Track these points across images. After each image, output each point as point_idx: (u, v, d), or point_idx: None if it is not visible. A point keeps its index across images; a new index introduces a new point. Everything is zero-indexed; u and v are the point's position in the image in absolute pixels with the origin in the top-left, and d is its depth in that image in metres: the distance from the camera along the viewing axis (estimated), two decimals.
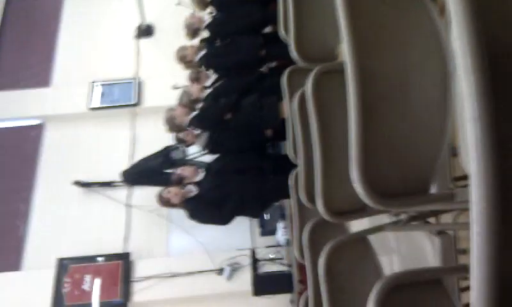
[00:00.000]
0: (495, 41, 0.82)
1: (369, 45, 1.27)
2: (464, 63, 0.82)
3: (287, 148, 2.76)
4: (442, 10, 1.78)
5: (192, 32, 5.38)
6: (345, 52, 1.26)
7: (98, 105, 7.42)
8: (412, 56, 1.31)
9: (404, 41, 1.31)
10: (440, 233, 2.00)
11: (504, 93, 0.82)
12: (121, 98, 7.45)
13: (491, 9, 0.85)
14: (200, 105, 4.88)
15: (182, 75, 5.57)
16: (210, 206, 4.49)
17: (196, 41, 5.46)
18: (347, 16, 1.23)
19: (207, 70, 5.20)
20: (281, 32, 2.42)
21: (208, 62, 5.18)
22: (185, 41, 5.47)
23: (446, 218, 2.26)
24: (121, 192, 6.74)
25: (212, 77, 5.17)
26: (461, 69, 0.83)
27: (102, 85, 7.53)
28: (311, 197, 2.19)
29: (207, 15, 5.53)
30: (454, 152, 2.08)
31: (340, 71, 1.67)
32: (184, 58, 5.29)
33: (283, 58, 2.49)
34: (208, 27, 5.35)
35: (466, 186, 0.93)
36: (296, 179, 2.56)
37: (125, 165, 6.64)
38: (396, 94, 1.31)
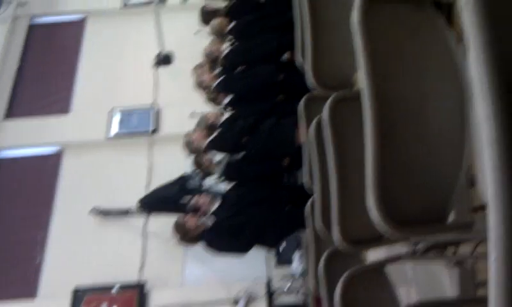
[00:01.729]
0: (505, 70, 0.82)
1: (386, 71, 1.27)
2: (481, 88, 0.81)
3: (303, 176, 2.75)
4: (459, 37, 1.78)
5: (211, 61, 5.43)
6: (362, 78, 1.26)
7: (116, 132, 7.47)
8: (429, 82, 1.31)
9: (421, 67, 1.31)
10: (458, 263, 1.97)
11: None
12: (139, 125, 7.50)
13: (507, 34, 0.85)
14: (217, 130, 4.90)
15: (199, 103, 5.61)
16: (227, 237, 4.48)
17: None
18: (364, 43, 1.24)
19: (225, 95, 5.23)
20: (299, 59, 2.43)
21: (225, 87, 5.22)
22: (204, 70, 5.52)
23: (464, 249, 2.22)
24: (138, 221, 6.74)
25: (228, 99, 5.20)
26: (478, 94, 0.82)
27: (121, 112, 7.59)
28: (327, 226, 2.17)
29: (226, 44, 5.59)
30: (472, 181, 2.06)
31: (356, 98, 1.67)
32: (201, 84, 5.34)
33: (301, 85, 2.50)
34: (227, 56, 5.40)
35: (484, 216, 0.92)
36: (312, 208, 2.54)
37: (142, 193, 6.65)
38: (413, 121, 1.30)
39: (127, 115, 7.59)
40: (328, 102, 1.75)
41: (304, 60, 2.29)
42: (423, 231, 1.37)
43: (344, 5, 2.24)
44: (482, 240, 1.89)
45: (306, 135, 2.44)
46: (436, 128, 1.34)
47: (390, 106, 1.28)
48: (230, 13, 5.68)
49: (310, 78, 2.21)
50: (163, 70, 8.03)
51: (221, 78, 5.25)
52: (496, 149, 0.81)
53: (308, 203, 2.75)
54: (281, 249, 5.71)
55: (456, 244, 2.08)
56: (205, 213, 4.64)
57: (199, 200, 4.71)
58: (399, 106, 1.31)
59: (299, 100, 2.57)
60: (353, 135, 1.73)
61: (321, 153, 2.09)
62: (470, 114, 1.31)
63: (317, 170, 2.15)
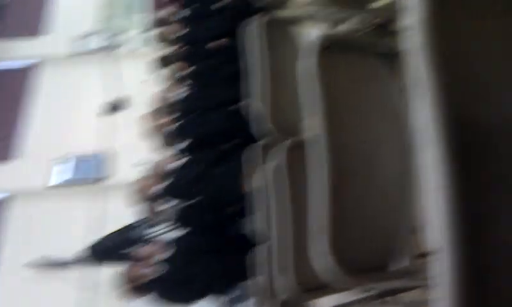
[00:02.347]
0: (456, 114, 0.86)
1: (336, 118, 1.31)
2: (427, 135, 0.85)
3: (256, 223, 2.76)
4: (405, 85, 1.86)
5: (164, 106, 5.43)
6: (313, 125, 1.30)
7: (62, 180, 7.34)
8: (379, 131, 1.36)
9: (372, 116, 1.36)
10: None
11: (467, 164, 0.85)
12: (87, 173, 7.40)
13: (455, 82, 0.89)
14: (170, 178, 4.86)
15: (151, 150, 5.58)
16: (177, 287, 4.39)
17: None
18: (315, 90, 1.28)
19: (178, 142, 5.21)
20: (257, 106, 2.48)
21: (179, 134, 5.20)
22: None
23: (414, 294, 2.26)
24: (84, 271, 6.57)
25: (181, 146, 5.19)
26: (425, 140, 0.85)
27: (67, 160, 7.48)
28: (281, 273, 2.18)
29: (180, 89, 5.61)
30: (418, 228, 2.11)
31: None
32: (154, 129, 5.31)
33: (253, 132, 2.55)
34: (181, 102, 5.41)
35: (432, 262, 0.94)
36: (267, 254, 2.55)
37: (88, 242, 6.50)
38: (364, 167, 1.34)
39: (74, 163, 7.48)
40: (285, 147, 1.79)
41: (261, 106, 2.33)
42: (372, 278, 1.39)
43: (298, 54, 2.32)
44: (431, 285, 1.94)
45: (255, 181, 2.46)
46: (384, 174, 1.38)
47: (341, 152, 1.32)
48: (186, 58, 5.72)
49: (267, 124, 2.26)
50: (116, 116, 7.99)
51: (175, 124, 5.25)
52: (442, 195, 0.83)
53: (262, 250, 2.75)
54: (233, 298, 5.64)
55: (406, 289, 2.13)
56: (154, 262, 4.56)
57: (148, 248, 4.63)
58: (350, 152, 1.35)
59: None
60: (305, 180, 1.77)
61: (275, 199, 2.11)
62: (415, 160, 1.36)
63: (273, 215, 2.17)
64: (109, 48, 7.53)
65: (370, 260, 1.38)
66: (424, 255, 2.21)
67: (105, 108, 8.05)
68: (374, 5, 2.14)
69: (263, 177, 2.24)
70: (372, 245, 1.40)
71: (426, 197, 1.57)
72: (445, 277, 0.83)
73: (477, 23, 0.94)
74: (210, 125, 5.10)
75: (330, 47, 1.33)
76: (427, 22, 0.86)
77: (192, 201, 4.67)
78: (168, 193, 4.72)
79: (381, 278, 1.43)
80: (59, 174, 7.40)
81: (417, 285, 2.04)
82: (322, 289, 1.89)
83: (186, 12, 6.07)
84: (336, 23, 2.37)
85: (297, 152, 1.79)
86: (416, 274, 1.51)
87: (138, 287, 4.42)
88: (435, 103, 0.84)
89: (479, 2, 0.95)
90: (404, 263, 2.03)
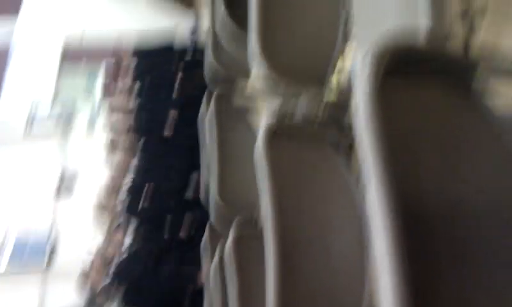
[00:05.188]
0: (408, 205, 0.86)
1: (287, 206, 1.29)
2: (379, 223, 0.84)
3: None
4: (358, 176, 1.87)
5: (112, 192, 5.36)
6: (263, 213, 1.28)
7: (4, 269, 7.06)
8: (331, 219, 1.34)
9: (323, 204, 1.35)
10: None
11: (418, 252, 0.84)
12: (31, 260, 7.12)
13: (406, 176, 0.89)
14: (116, 263, 4.73)
15: (98, 238, 5.44)
16: None
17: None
18: (265, 177, 1.27)
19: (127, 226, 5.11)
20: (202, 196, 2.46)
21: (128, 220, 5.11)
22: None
23: None
24: None
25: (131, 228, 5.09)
26: (377, 229, 0.85)
27: (13, 245, 7.21)
28: None
29: (129, 176, 5.55)
30: None
31: (259, 235, 1.69)
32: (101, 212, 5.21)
33: (204, 223, 2.51)
34: (129, 189, 5.35)
35: None
36: None
37: None
38: (315, 256, 1.32)
39: (19, 247, 7.22)
40: (230, 238, 1.76)
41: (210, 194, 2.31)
42: None
43: (251, 139, 2.33)
44: None
45: (207, 273, 2.42)
46: (338, 262, 1.36)
47: (291, 239, 1.30)
48: (135, 130, 5.70)
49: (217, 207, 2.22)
50: (63, 201, 7.82)
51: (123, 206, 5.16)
52: (393, 281, 0.82)
53: None
54: None
55: None
56: None
57: None
58: (300, 239, 1.33)
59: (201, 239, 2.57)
60: (256, 270, 1.73)
61: (223, 289, 2.06)
62: (369, 245, 1.35)
63: (219, 303, 2.11)
64: (58, 130, 7.46)
65: None
66: None
67: (56, 191, 7.87)
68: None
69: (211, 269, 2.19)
70: None
71: (378, 282, 1.55)
72: None
73: (418, 102, 0.95)
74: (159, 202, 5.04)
75: (280, 132, 1.33)
76: (367, 109, 0.86)
77: (140, 290, 4.54)
78: (115, 282, 4.58)
79: None
80: (2, 261, 7.12)
81: None
82: None
83: (136, 85, 6.08)
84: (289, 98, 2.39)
85: (243, 242, 1.76)
86: None
87: None
88: (379, 190, 0.84)
89: (418, 80, 0.96)
90: None
